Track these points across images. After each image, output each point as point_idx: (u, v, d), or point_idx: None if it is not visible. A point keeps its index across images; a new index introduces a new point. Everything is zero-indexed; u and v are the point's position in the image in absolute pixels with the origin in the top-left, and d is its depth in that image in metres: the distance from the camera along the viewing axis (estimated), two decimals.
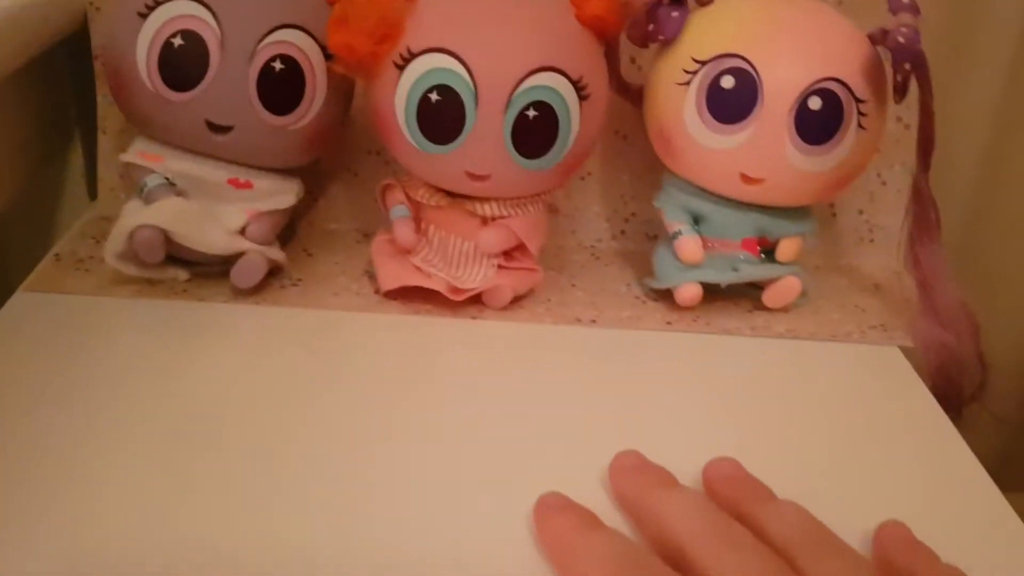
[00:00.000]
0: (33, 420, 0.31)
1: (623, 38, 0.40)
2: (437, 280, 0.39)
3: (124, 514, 0.28)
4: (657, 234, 0.46)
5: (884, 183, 0.47)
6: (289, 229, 0.43)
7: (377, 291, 0.40)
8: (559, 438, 0.33)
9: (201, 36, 0.35)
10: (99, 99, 0.45)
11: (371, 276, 0.41)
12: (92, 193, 0.50)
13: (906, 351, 0.40)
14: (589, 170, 0.47)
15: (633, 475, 0.29)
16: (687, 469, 0.30)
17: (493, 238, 0.39)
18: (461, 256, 0.40)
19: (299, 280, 0.41)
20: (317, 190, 0.46)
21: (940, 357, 0.39)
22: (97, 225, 0.44)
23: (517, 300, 0.41)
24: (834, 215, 0.47)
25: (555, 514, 0.27)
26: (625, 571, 0.24)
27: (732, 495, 0.28)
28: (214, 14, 0.35)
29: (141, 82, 0.36)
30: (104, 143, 0.45)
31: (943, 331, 0.40)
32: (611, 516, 0.28)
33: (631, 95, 0.42)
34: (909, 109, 0.39)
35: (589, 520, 0.27)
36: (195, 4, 0.35)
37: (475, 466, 0.31)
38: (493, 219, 0.39)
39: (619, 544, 0.25)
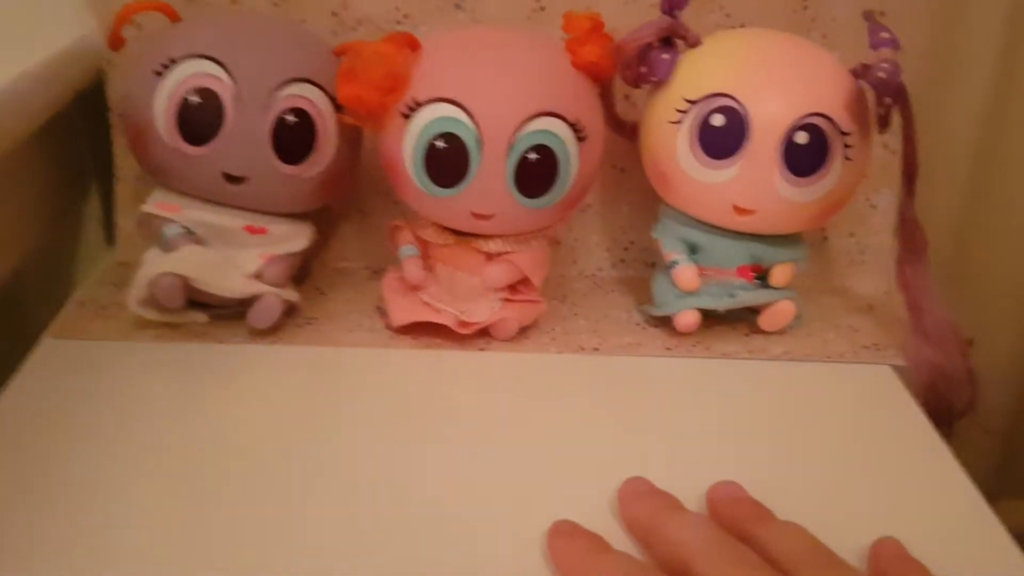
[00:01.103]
0: (64, 460, 0.33)
1: (617, 80, 0.42)
2: (446, 315, 0.41)
3: (148, 553, 0.29)
4: (655, 262, 0.48)
5: (873, 206, 0.49)
6: (302, 269, 0.45)
7: (388, 327, 0.42)
8: (567, 465, 0.34)
9: (216, 92, 0.37)
10: (115, 150, 0.47)
11: (382, 312, 0.43)
12: (109, 240, 0.51)
13: (898, 370, 0.41)
14: (589, 202, 0.48)
15: (642, 500, 0.30)
16: (691, 490, 0.31)
17: (498, 273, 0.41)
18: (468, 291, 0.41)
19: (313, 319, 0.43)
20: (328, 230, 0.48)
21: (930, 375, 0.41)
22: (116, 272, 0.46)
23: (523, 331, 0.42)
24: (825, 238, 0.49)
25: (567, 539, 0.29)
26: None
27: (735, 516, 0.29)
28: (228, 71, 0.37)
29: (159, 137, 0.38)
30: (121, 191, 0.47)
31: (932, 349, 0.41)
32: (619, 540, 0.29)
33: (627, 131, 0.44)
34: (894, 135, 0.40)
35: (600, 544, 0.28)
36: (209, 63, 0.37)
37: (486, 493, 0.32)
38: (498, 255, 0.41)
39: (630, 564, 0.27)
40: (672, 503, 0.30)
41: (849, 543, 0.29)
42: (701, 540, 0.27)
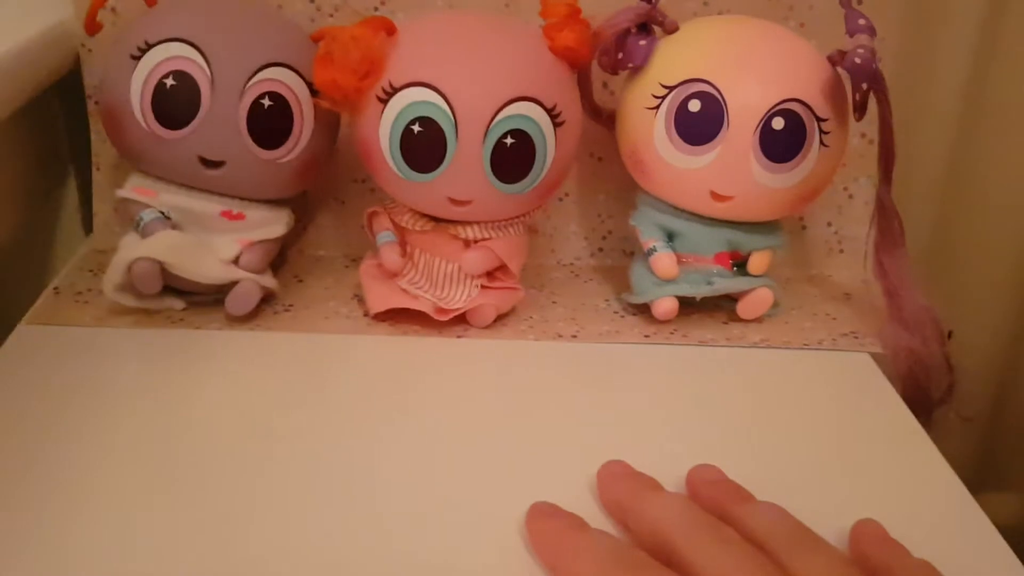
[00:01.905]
0: (40, 447, 0.32)
1: (594, 66, 0.42)
2: (423, 301, 0.41)
3: (124, 539, 0.29)
4: (634, 251, 0.48)
5: (851, 196, 0.49)
6: (279, 256, 0.44)
7: (366, 314, 0.42)
8: (545, 450, 0.34)
9: (192, 76, 0.37)
10: (93, 136, 0.46)
11: (360, 299, 0.43)
12: (87, 227, 0.51)
13: (876, 357, 0.41)
14: (566, 191, 0.48)
15: (620, 481, 0.30)
16: (669, 476, 0.31)
17: (476, 260, 0.41)
18: (446, 278, 0.41)
19: (291, 305, 0.43)
20: (306, 218, 0.48)
21: (908, 362, 0.41)
22: (93, 258, 0.46)
23: (500, 318, 0.42)
24: (804, 227, 0.49)
25: (545, 519, 0.29)
26: (616, 566, 0.25)
27: (715, 498, 0.29)
28: (204, 55, 0.37)
29: (135, 121, 0.37)
30: (98, 179, 0.47)
31: (910, 336, 0.41)
32: (599, 523, 0.29)
33: (604, 119, 0.44)
34: (872, 124, 0.41)
35: (578, 523, 0.28)
36: (185, 46, 0.37)
37: (465, 479, 0.32)
38: (475, 241, 0.40)
39: (609, 541, 0.27)
40: (651, 483, 0.30)
41: (828, 528, 0.28)
42: (680, 518, 0.27)
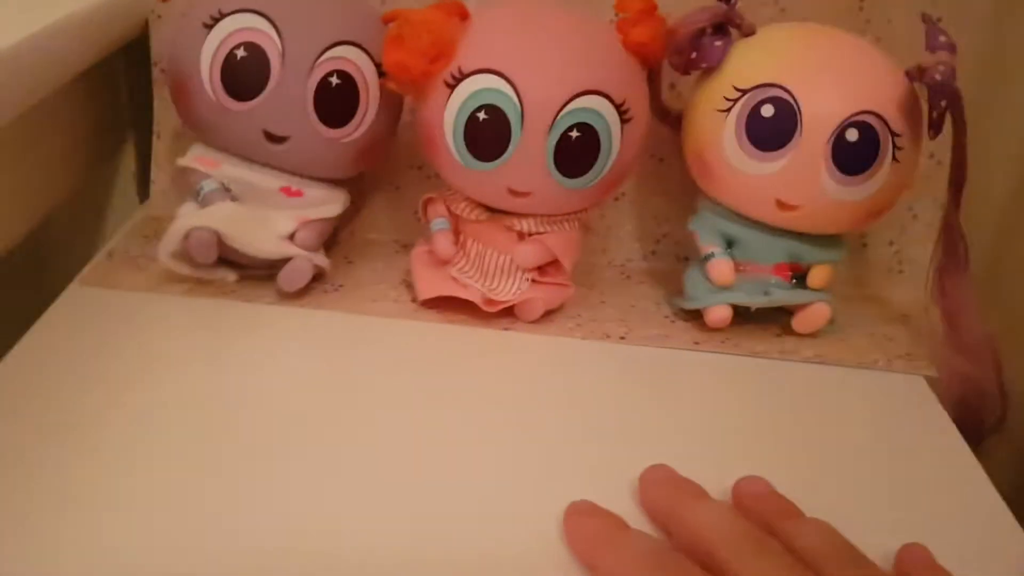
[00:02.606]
0: (82, 408, 0.33)
1: (666, 65, 0.41)
2: (472, 291, 0.40)
3: (168, 500, 0.29)
4: (688, 256, 0.47)
5: (915, 216, 0.48)
6: (332, 237, 0.44)
7: (414, 299, 0.42)
8: (586, 449, 0.34)
9: (263, 49, 0.37)
10: (156, 104, 0.47)
11: (408, 285, 0.43)
12: (142, 195, 0.51)
13: (930, 381, 0.40)
14: (624, 191, 0.48)
15: (664, 487, 0.30)
16: (712, 486, 0.30)
17: (529, 253, 0.40)
18: (497, 269, 0.41)
19: (340, 286, 0.42)
20: (360, 201, 0.48)
21: (962, 388, 0.40)
22: (149, 225, 0.46)
23: (548, 314, 0.42)
24: (865, 245, 0.48)
25: (584, 518, 0.28)
26: (655, 567, 0.25)
27: (761, 511, 0.29)
28: (277, 28, 0.37)
29: (203, 91, 0.37)
30: (158, 147, 0.47)
31: (966, 363, 0.40)
32: (637, 526, 0.29)
33: (670, 120, 0.43)
34: (940, 145, 0.40)
35: (617, 522, 0.28)
36: (259, 18, 0.37)
37: (503, 473, 0.32)
38: (530, 235, 0.40)
39: (648, 542, 0.26)
40: (695, 491, 0.30)
41: (873, 550, 0.28)
42: (725, 527, 0.26)
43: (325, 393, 0.35)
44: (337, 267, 0.43)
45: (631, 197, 0.48)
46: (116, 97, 0.51)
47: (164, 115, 0.47)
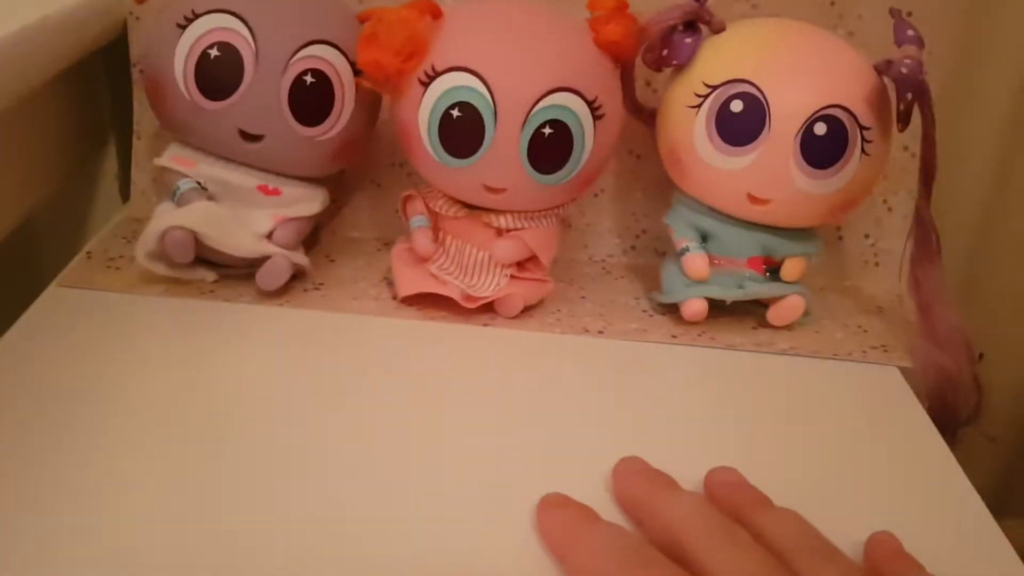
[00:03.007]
0: (60, 410, 0.33)
1: (638, 62, 0.42)
2: (452, 288, 0.41)
3: (145, 504, 0.29)
4: (666, 250, 0.47)
5: (890, 209, 0.48)
6: (312, 236, 0.45)
7: (394, 297, 0.42)
8: (563, 443, 0.34)
9: (237, 48, 0.37)
10: (135, 105, 0.47)
11: (389, 283, 0.43)
12: (124, 195, 0.52)
13: (905, 372, 0.41)
14: (602, 187, 0.48)
15: (637, 478, 0.30)
16: (687, 477, 0.31)
17: (507, 249, 0.41)
18: (476, 265, 0.41)
19: (321, 284, 0.43)
20: (341, 199, 0.48)
21: (937, 379, 0.40)
22: (128, 226, 0.46)
23: (528, 310, 0.42)
24: (840, 238, 0.49)
25: (556, 510, 0.29)
26: (625, 560, 0.25)
27: (732, 501, 0.29)
28: (250, 28, 0.37)
29: (178, 90, 0.38)
30: (138, 147, 0.47)
31: (941, 354, 0.41)
32: (611, 517, 0.29)
33: (645, 116, 0.44)
34: (915, 138, 0.40)
35: (589, 514, 0.28)
36: (232, 17, 0.37)
37: (481, 467, 0.32)
38: (508, 231, 0.40)
39: (618, 534, 0.26)
40: (667, 481, 0.30)
41: (844, 539, 0.28)
42: (696, 518, 0.27)
43: (307, 391, 0.35)
44: (318, 266, 0.44)
45: (610, 194, 0.48)
46: (97, 98, 0.51)
47: (144, 116, 0.47)
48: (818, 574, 0.25)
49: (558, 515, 0.28)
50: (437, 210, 0.41)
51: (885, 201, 0.48)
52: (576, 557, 0.27)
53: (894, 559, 0.29)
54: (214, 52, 0.37)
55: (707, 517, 0.27)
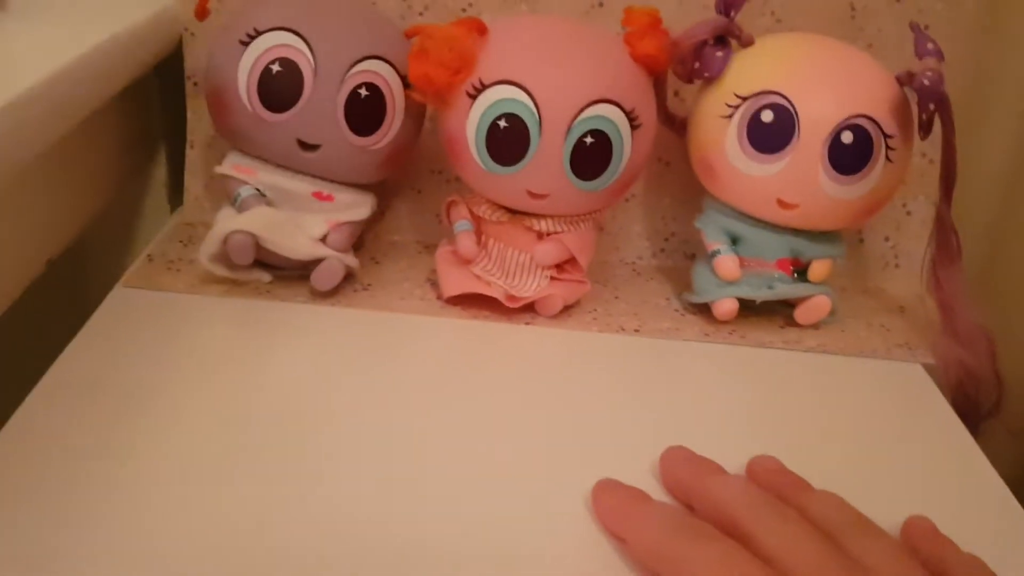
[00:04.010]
0: (128, 405, 0.35)
1: (670, 73, 0.44)
2: (495, 288, 0.43)
3: (198, 495, 0.31)
4: (694, 253, 0.49)
5: (909, 213, 0.50)
6: (358, 239, 0.47)
7: (439, 297, 0.44)
8: (607, 435, 0.36)
9: (297, 64, 0.39)
10: (189, 115, 0.49)
11: (433, 283, 0.45)
12: (173, 202, 0.54)
13: (928, 368, 0.43)
14: (633, 192, 0.50)
15: (685, 464, 0.32)
16: (725, 467, 0.32)
17: (548, 251, 0.43)
18: (517, 267, 0.43)
19: (369, 285, 0.45)
20: (383, 204, 0.50)
21: (959, 374, 0.42)
22: (183, 230, 0.48)
23: (566, 309, 0.44)
24: (862, 241, 0.51)
25: (610, 492, 0.31)
26: (681, 531, 0.27)
27: (775, 484, 0.31)
28: (309, 45, 0.39)
29: (241, 103, 0.40)
30: (192, 156, 0.50)
31: (962, 350, 0.42)
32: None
33: (675, 125, 0.46)
34: (932, 145, 0.42)
35: (642, 495, 0.30)
36: (292, 35, 0.39)
37: (531, 458, 0.34)
38: (548, 234, 0.43)
39: (673, 511, 0.29)
40: (714, 467, 0.32)
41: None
42: (746, 497, 0.28)
43: (361, 388, 0.37)
44: (365, 267, 0.46)
45: (640, 198, 0.51)
46: (148, 110, 0.53)
47: (197, 126, 0.49)
48: (863, 549, 0.27)
49: (613, 497, 0.30)
50: (480, 215, 0.43)
51: (904, 205, 0.50)
52: (634, 534, 0.28)
53: (930, 539, 0.30)
54: (276, 67, 0.39)
55: (755, 495, 0.29)
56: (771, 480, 0.31)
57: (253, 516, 0.30)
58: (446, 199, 0.44)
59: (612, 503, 0.30)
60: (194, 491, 0.31)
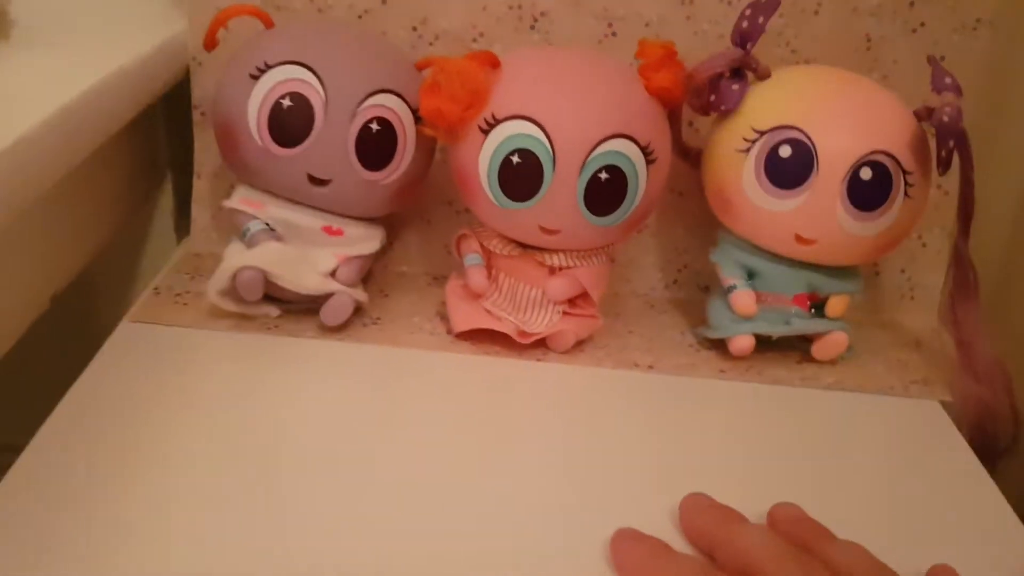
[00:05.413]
0: (136, 439, 0.34)
1: (685, 106, 0.43)
2: (506, 324, 0.42)
3: (212, 527, 0.30)
4: (708, 285, 0.49)
5: (924, 245, 0.50)
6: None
7: (449, 331, 0.43)
8: (623, 477, 0.35)
9: (308, 98, 0.39)
10: (196, 145, 0.49)
11: (443, 317, 0.45)
12: (180, 232, 0.53)
13: (945, 405, 0.42)
14: (645, 224, 0.50)
15: (706, 512, 0.32)
16: (744, 511, 0.32)
17: (561, 286, 0.42)
18: (529, 302, 0.43)
19: (378, 319, 0.44)
20: (391, 235, 0.49)
21: (977, 411, 0.42)
22: (190, 262, 0.48)
23: (578, 345, 0.43)
24: (877, 273, 0.50)
25: (631, 543, 0.30)
26: None
27: (798, 534, 0.30)
28: (320, 79, 0.39)
29: (250, 137, 0.39)
30: (199, 186, 0.49)
31: (980, 387, 0.42)
32: (678, 549, 0.30)
33: (690, 157, 0.45)
34: (948, 177, 0.41)
35: (664, 547, 0.30)
36: (303, 69, 0.39)
37: (544, 500, 0.33)
38: (560, 269, 0.42)
39: (696, 564, 0.28)
40: (737, 516, 0.31)
41: (897, 570, 0.29)
42: (770, 548, 0.28)
43: (369, 423, 0.37)
44: (373, 300, 0.45)
45: (652, 229, 0.50)
46: (155, 139, 0.53)
47: (205, 156, 0.48)
48: None
49: (633, 549, 0.30)
50: (492, 249, 0.43)
51: (920, 237, 0.50)
52: None
53: None
54: (286, 102, 0.39)
55: (780, 546, 0.28)
56: (793, 529, 0.31)
57: (263, 551, 0.30)
58: (456, 232, 0.44)
59: (633, 555, 0.29)
60: (202, 527, 0.30)
